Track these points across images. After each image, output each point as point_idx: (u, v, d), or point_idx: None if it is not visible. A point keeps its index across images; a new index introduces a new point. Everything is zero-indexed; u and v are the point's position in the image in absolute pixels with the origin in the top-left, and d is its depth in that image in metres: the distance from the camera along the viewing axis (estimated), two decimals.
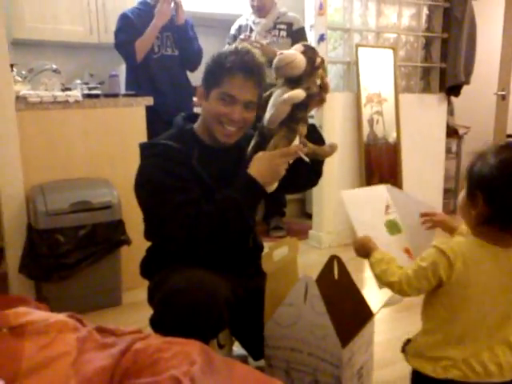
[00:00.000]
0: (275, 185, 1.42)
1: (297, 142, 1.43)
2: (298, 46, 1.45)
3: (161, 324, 1.32)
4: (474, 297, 1.08)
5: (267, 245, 1.60)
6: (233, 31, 3.44)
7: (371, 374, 1.55)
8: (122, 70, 3.60)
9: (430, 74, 3.93)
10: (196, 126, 1.52)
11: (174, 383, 0.80)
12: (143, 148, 1.48)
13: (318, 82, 1.45)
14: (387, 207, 1.42)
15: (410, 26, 3.75)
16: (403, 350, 1.21)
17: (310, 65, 1.42)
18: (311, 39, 3.26)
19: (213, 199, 1.37)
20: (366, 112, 3.43)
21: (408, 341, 1.21)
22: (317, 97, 1.45)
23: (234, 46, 1.46)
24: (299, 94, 1.38)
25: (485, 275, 1.08)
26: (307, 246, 3.40)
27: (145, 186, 1.42)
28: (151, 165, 1.41)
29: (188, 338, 1.09)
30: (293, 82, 1.42)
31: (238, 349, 1.77)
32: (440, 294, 1.12)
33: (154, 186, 1.38)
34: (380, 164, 3.53)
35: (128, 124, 2.59)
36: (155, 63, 2.97)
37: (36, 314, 1.02)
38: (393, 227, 1.45)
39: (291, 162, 1.41)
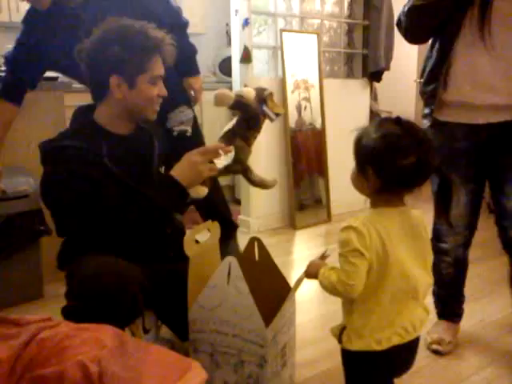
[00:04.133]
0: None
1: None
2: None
3: (72, 313, 1.28)
4: (395, 261, 1.10)
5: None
6: None
7: (294, 352, 1.58)
8: None
9: (353, 59, 4.03)
10: (97, 117, 1.47)
11: (80, 369, 0.77)
12: (48, 152, 1.41)
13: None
14: None
15: (333, 13, 3.81)
16: (340, 341, 1.19)
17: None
18: (236, 24, 3.23)
19: (135, 201, 1.38)
20: (294, 98, 3.46)
21: (343, 328, 1.18)
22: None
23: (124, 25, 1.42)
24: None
25: (396, 237, 1.12)
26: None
27: (60, 195, 1.37)
28: (63, 172, 1.35)
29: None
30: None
31: (165, 334, 1.75)
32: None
33: (70, 194, 1.35)
34: (307, 150, 3.58)
35: (45, 108, 2.47)
36: None
37: None
38: None
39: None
